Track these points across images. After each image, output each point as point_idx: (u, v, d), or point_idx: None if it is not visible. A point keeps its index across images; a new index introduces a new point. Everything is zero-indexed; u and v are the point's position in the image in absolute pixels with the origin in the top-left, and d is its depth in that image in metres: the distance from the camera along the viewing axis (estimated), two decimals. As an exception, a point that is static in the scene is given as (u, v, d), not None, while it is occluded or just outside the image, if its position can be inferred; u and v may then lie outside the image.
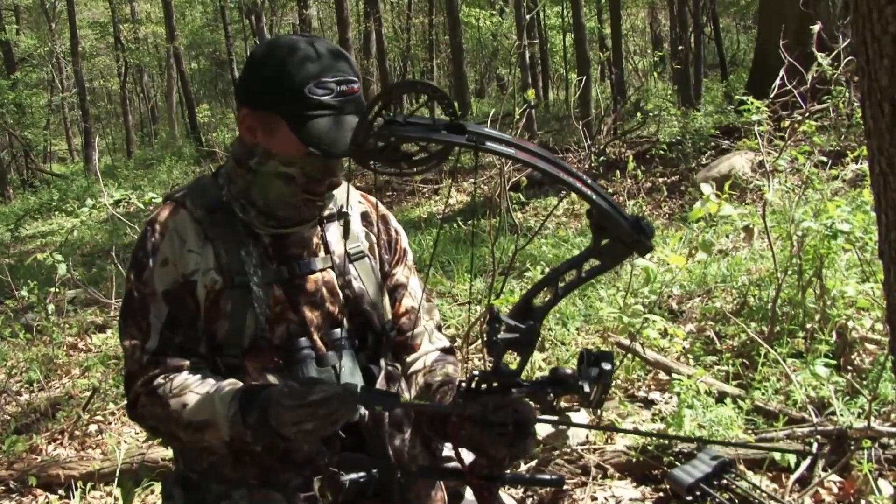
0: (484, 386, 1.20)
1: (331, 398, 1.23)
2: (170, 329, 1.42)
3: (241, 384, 1.38)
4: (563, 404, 3.07)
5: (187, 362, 1.43)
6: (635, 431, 1.38)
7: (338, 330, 1.48)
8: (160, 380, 1.40)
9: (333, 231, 1.53)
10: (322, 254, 1.51)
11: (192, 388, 1.38)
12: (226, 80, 27.89)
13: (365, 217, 1.61)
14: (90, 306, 5.84)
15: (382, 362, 1.52)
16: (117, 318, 1.57)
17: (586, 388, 1.18)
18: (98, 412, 3.82)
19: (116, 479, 2.87)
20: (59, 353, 4.77)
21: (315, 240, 1.52)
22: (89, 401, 3.84)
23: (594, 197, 1.04)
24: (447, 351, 1.62)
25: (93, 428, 3.70)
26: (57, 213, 12.96)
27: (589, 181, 1.06)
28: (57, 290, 5.07)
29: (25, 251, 10.20)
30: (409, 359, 1.59)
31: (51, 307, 5.08)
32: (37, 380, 4.38)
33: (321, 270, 1.50)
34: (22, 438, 3.55)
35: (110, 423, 3.75)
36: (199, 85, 32.21)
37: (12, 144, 19.68)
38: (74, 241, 10.04)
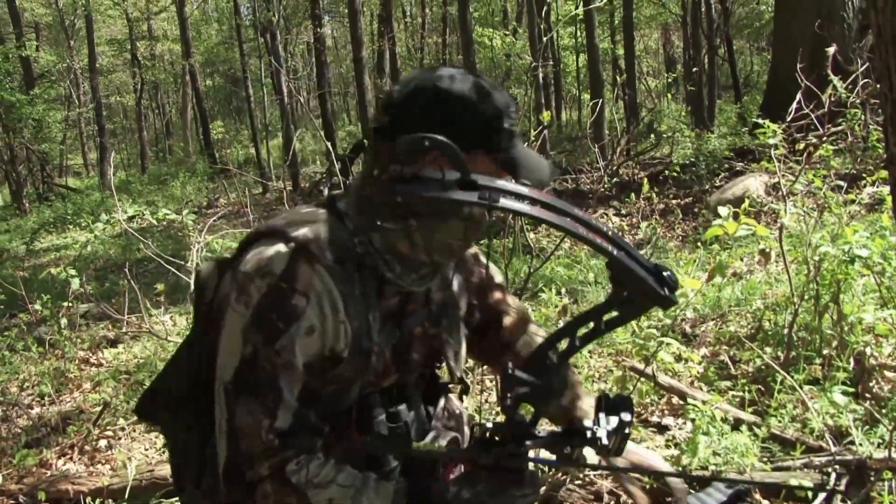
0: (497, 438, 1.17)
1: None
2: (306, 406, 1.24)
3: (394, 483, 1.27)
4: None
5: (319, 442, 1.27)
6: (643, 471, 1.36)
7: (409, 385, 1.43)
8: (293, 466, 1.22)
9: (434, 279, 1.44)
10: (422, 306, 1.43)
11: (335, 480, 1.24)
12: (240, 98, 28.10)
13: (461, 262, 1.57)
14: (102, 321, 5.86)
15: (441, 402, 1.50)
16: (219, 383, 1.27)
17: (605, 441, 1.15)
18: (108, 427, 3.82)
19: (126, 496, 2.86)
20: (70, 367, 4.78)
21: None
22: (100, 416, 3.84)
23: (615, 252, 1.01)
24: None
25: (102, 443, 3.69)
26: (71, 226, 13.06)
27: (610, 233, 1.04)
28: (70, 303, 5.10)
29: (40, 264, 10.27)
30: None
31: (63, 321, 5.10)
32: (48, 393, 4.39)
33: (419, 324, 1.42)
34: (32, 452, 3.55)
35: (120, 439, 3.74)
36: (213, 102, 32.52)
37: (29, 158, 19.85)
38: (88, 256, 10.10)
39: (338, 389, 1.31)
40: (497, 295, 1.64)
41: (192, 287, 1.46)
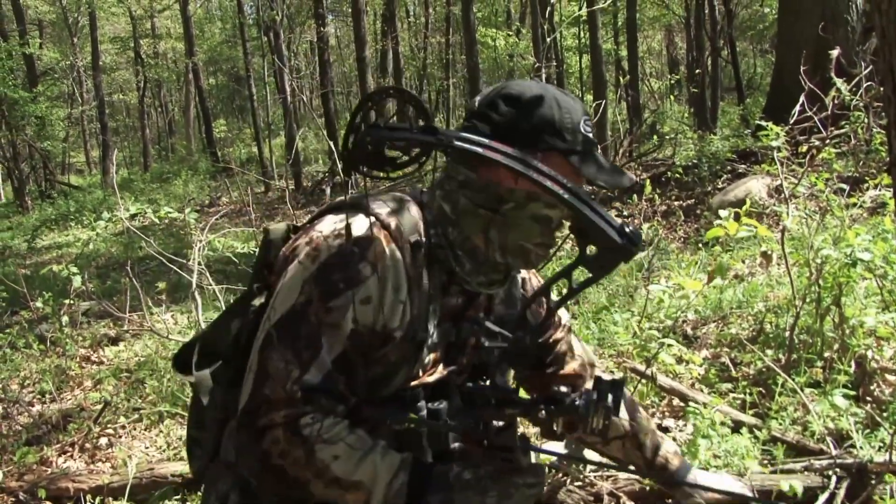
0: (481, 400, 1.20)
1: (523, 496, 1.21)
2: (338, 371, 1.25)
3: (401, 454, 1.27)
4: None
5: (340, 408, 1.28)
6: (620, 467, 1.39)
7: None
8: (307, 419, 1.23)
9: (501, 288, 1.46)
10: (481, 312, 1.45)
11: (344, 439, 1.24)
12: (243, 96, 28.13)
13: (524, 284, 1.58)
14: (103, 319, 5.87)
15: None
16: (264, 320, 1.28)
17: (581, 410, 1.16)
18: (109, 425, 3.82)
19: (126, 494, 2.86)
20: (71, 365, 4.79)
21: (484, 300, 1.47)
22: (101, 414, 3.85)
23: (576, 203, 1.06)
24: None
25: (103, 441, 3.70)
26: (73, 224, 13.09)
27: (569, 185, 1.09)
28: (71, 301, 5.10)
29: (41, 262, 10.28)
30: None
31: (65, 319, 5.11)
32: (49, 391, 4.39)
33: (473, 334, 1.43)
34: (33, 450, 3.55)
35: (121, 437, 3.74)
36: (216, 100, 32.54)
37: (32, 156, 19.89)
38: (90, 254, 10.12)
39: (381, 374, 1.32)
40: (559, 335, 1.65)
41: (259, 245, 1.46)
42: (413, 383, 1.35)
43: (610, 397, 1.18)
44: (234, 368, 1.40)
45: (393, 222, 1.30)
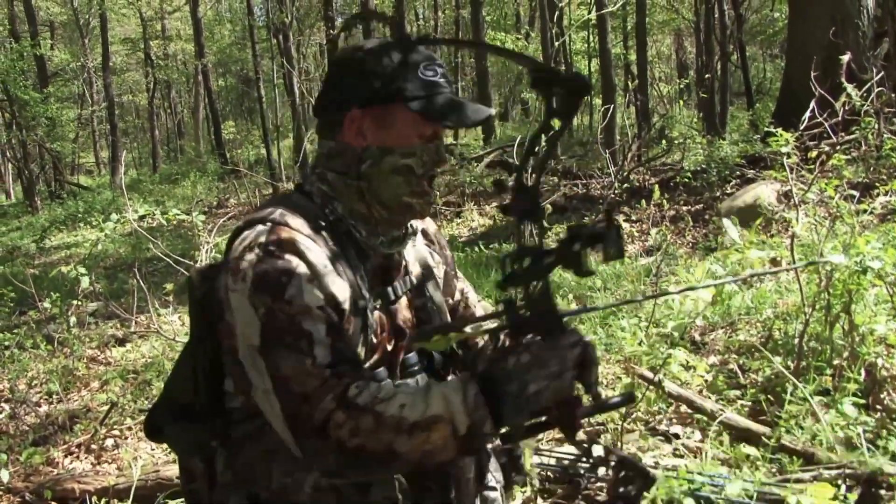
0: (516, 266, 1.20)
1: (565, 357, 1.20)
2: (334, 338, 1.26)
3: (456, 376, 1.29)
4: (583, 435, 3.03)
5: (365, 371, 1.30)
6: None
7: (412, 355, 1.45)
8: (353, 390, 1.23)
9: (408, 251, 1.52)
10: (402, 275, 1.50)
11: (398, 390, 1.24)
12: (252, 98, 28.21)
13: (425, 234, 1.63)
14: (111, 319, 5.88)
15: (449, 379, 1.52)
16: (246, 354, 1.28)
17: (608, 234, 1.16)
18: (115, 427, 3.82)
19: (131, 496, 2.86)
20: (79, 366, 4.80)
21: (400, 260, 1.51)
22: (107, 415, 3.85)
23: (525, 58, 1.15)
24: None
25: (109, 442, 3.70)
26: (82, 225, 13.13)
27: (518, 53, 1.20)
28: (79, 302, 5.11)
29: (50, 262, 10.33)
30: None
31: (72, 319, 5.12)
32: (56, 392, 4.40)
33: (404, 293, 1.48)
34: (39, 451, 3.56)
35: (127, 439, 3.75)
36: (225, 102, 32.66)
37: (42, 156, 20.00)
38: (98, 254, 10.15)
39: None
40: (457, 282, 1.74)
41: (187, 292, 1.48)
42: (381, 371, 1.37)
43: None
44: (200, 407, 1.42)
45: (288, 218, 1.33)
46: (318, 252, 1.30)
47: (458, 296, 1.72)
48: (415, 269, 1.52)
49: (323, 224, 1.36)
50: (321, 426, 1.20)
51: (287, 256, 1.27)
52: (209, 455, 1.45)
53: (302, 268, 1.26)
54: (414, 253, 1.55)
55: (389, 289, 1.44)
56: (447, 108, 1.34)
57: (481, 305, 1.77)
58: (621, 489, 1.18)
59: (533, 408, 1.19)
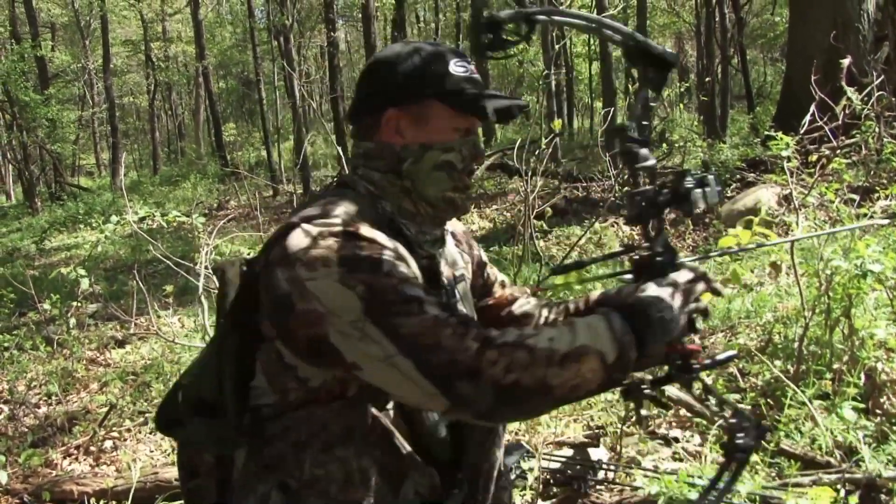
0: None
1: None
2: (438, 299, 1.24)
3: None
4: (583, 438, 3.03)
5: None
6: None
7: None
8: (493, 332, 1.20)
9: (442, 246, 1.53)
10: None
11: (538, 329, 1.23)
12: (252, 100, 28.23)
13: (453, 236, 1.62)
14: (110, 321, 5.88)
15: None
16: (348, 332, 1.21)
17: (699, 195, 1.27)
18: (114, 428, 3.82)
19: (130, 498, 2.85)
20: (78, 367, 4.80)
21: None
22: (106, 416, 3.85)
23: (629, 33, 1.28)
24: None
25: (108, 444, 3.70)
26: (82, 226, 13.13)
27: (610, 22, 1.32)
28: (79, 303, 5.11)
29: (50, 263, 10.33)
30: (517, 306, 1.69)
31: (72, 321, 5.11)
32: (55, 393, 4.40)
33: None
34: (38, 452, 3.56)
35: (125, 440, 3.75)
36: (226, 104, 32.69)
37: (42, 158, 20.01)
38: (98, 256, 10.15)
39: None
40: (488, 270, 1.74)
41: (220, 285, 1.45)
42: None
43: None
44: (221, 410, 1.40)
45: (350, 212, 1.32)
46: (389, 240, 1.30)
47: (490, 280, 1.73)
48: (446, 271, 1.51)
49: (381, 220, 1.36)
50: (473, 367, 1.16)
51: (369, 238, 1.26)
52: (226, 451, 1.42)
53: (388, 247, 1.26)
54: (445, 254, 1.54)
55: (443, 290, 1.44)
56: (481, 102, 1.36)
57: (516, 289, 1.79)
58: (738, 440, 1.21)
59: (671, 335, 1.21)
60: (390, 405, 1.37)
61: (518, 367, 1.16)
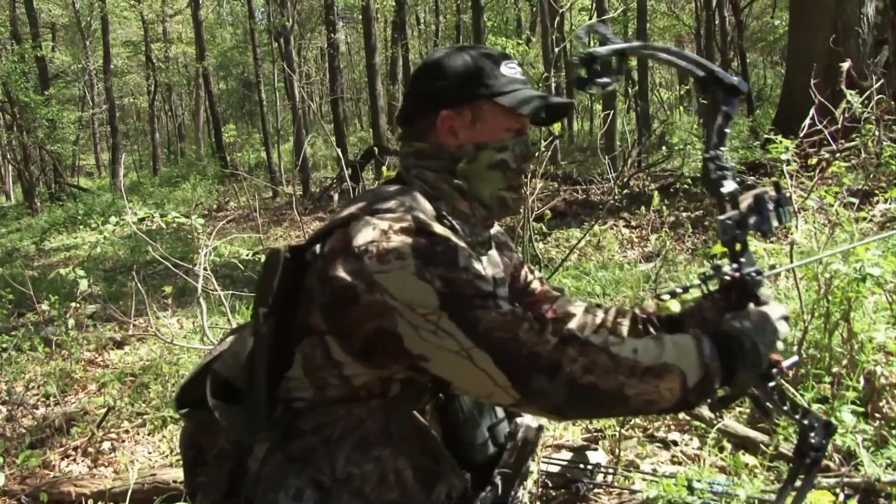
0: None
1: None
2: (511, 297, 1.30)
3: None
4: (581, 441, 3.02)
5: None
6: None
7: None
8: (574, 329, 1.26)
9: (489, 248, 1.55)
10: None
11: (622, 339, 1.24)
12: (252, 102, 28.24)
13: (495, 238, 1.63)
14: (109, 322, 5.87)
15: None
16: (421, 325, 1.20)
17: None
18: (112, 430, 3.81)
19: (128, 500, 2.85)
20: (76, 369, 4.79)
21: None
22: (104, 418, 3.84)
23: (705, 68, 1.37)
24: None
25: (106, 445, 3.69)
26: (81, 227, 13.12)
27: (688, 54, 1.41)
28: (78, 304, 5.10)
29: (49, 264, 10.32)
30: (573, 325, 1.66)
31: (71, 322, 5.10)
32: (53, 394, 4.39)
33: None
34: (36, 453, 3.55)
35: (124, 442, 3.74)
36: (226, 105, 32.70)
37: (42, 158, 20.00)
38: (97, 257, 10.14)
39: None
40: (524, 270, 1.74)
41: (264, 268, 1.41)
42: None
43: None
44: (249, 397, 1.38)
45: (418, 209, 1.33)
46: (458, 237, 1.32)
47: (525, 280, 1.73)
48: (488, 271, 1.49)
49: (440, 218, 1.38)
50: (553, 361, 1.17)
51: (441, 234, 1.27)
52: (249, 439, 1.38)
53: (460, 243, 1.28)
54: (487, 257, 1.55)
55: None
56: (532, 101, 1.39)
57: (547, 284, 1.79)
58: (810, 439, 1.25)
59: (760, 369, 1.24)
60: (428, 406, 1.38)
61: (598, 370, 1.17)
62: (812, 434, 1.28)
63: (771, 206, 1.32)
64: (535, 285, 1.71)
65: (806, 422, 1.28)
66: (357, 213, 1.31)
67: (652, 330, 1.61)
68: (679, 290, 1.57)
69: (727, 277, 1.36)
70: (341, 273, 1.25)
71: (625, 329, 1.63)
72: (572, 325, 1.66)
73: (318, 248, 1.33)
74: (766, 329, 1.25)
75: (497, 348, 1.18)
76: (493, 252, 1.58)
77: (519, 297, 1.67)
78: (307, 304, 1.32)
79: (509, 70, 1.41)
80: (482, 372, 1.19)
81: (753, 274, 1.32)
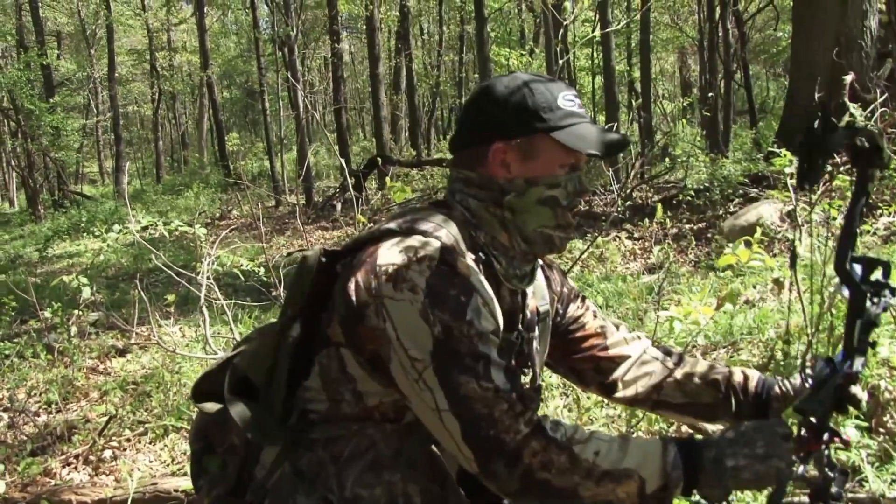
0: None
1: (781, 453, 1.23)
2: (507, 363, 1.26)
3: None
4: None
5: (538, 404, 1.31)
6: None
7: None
8: (549, 423, 1.22)
9: (531, 282, 1.49)
10: (520, 313, 1.46)
11: (591, 435, 1.23)
12: (256, 110, 28.34)
13: (546, 269, 1.59)
14: (111, 330, 5.87)
15: None
16: (409, 368, 1.22)
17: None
18: (114, 438, 3.81)
19: (128, 509, 2.84)
20: (78, 376, 4.78)
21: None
22: (106, 426, 3.83)
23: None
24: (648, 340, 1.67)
25: (107, 454, 3.68)
26: (85, 234, 13.14)
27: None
28: (80, 312, 5.11)
29: (52, 271, 10.33)
30: (625, 370, 1.60)
31: (73, 329, 5.11)
32: (55, 401, 4.38)
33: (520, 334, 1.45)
34: (37, 461, 3.54)
35: (125, 450, 3.73)
36: (229, 114, 32.79)
37: (46, 165, 20.06)
38: (100, 264, 10.16)
39: None
40: (577, 302, 1.67)
41: (296, 272, 1.40)
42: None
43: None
44: (265, 398, 1.37)
45: (452, 237, 1.30)
46: (482, 278, 1.28)
47: (574, 313, 1.65)
48: (531, 305, 1.48)
49: (474, 249, 1.34)
50: (514, 452, 1.19)
51: (462, 275, 1.25)
52: (258, 440, 1.38)
53: (477, 290, 1.25)
54: (535, 288, 1.51)
55: (514, 335, 1.41)
56: (589, 137, 1.33)
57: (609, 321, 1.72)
58: (832, 489, 1.25)
59: (730, 484, 1.20)
60: None
61: (555, 469, 1.18)
62: (833, 485, 1.25)
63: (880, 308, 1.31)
64: (587, 318, 1.65)
65: (828, 471, 1.26)
66: (393, 229, 1.31)
67: (734, 401, 1.56)
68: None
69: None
70: (358, 287, 1.26)
71: (696, 391, 1.58)
72: (622, 370, 1.60)
73: (349, 258, 1.34)
74: (752, 443, 1.21)
75: (468, 420, 1.20)
76: (541, 283, 1.54)
77: (567, 330, 1.63)
78: (330, 313, 1.33)
79: (567, 102, 1.35)
80: (449, 435, 1.22)
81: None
